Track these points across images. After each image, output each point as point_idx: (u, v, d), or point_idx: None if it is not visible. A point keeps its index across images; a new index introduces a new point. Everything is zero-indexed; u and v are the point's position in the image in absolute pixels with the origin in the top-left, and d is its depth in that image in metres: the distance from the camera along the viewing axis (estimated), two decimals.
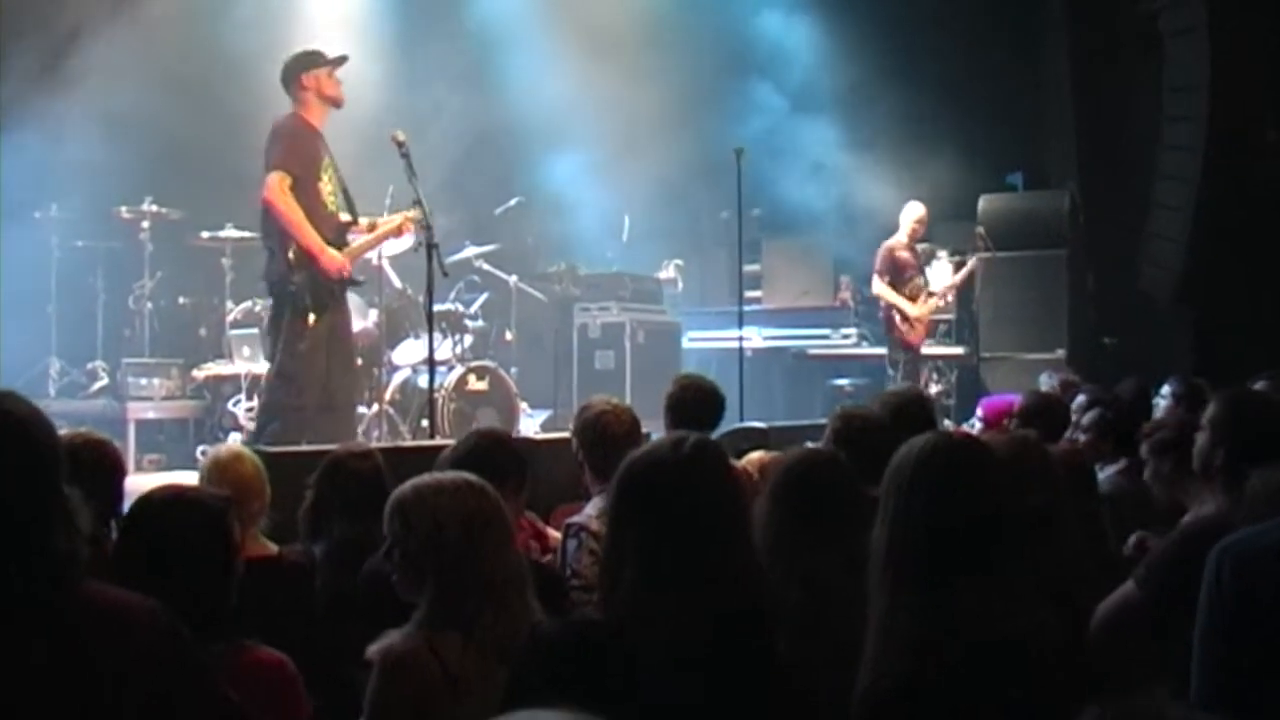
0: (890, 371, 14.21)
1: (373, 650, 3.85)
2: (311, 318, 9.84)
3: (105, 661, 2.97)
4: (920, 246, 14.92)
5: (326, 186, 10.02)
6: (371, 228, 10.29)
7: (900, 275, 14.11)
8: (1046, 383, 9.84)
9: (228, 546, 3.89)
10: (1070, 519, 4.68)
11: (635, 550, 3.33)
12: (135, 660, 3.01)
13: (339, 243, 10.00)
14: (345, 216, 10.17)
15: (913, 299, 14.11)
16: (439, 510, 3.94)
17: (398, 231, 10.03)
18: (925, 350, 14.91)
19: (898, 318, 14.04)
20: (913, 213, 14.31)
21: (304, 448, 10.51)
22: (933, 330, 15.22)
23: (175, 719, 3.06)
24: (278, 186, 9.66)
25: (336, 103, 10.12)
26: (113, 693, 2.95)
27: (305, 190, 9.80)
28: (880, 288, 14.10)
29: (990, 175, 16.02)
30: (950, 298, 15.18)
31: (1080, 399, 7.95)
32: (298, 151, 9.87)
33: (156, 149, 13.28)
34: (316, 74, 10.05)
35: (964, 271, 14.97)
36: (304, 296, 9.74)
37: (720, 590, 3.28)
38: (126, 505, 5.54)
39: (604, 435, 6.15)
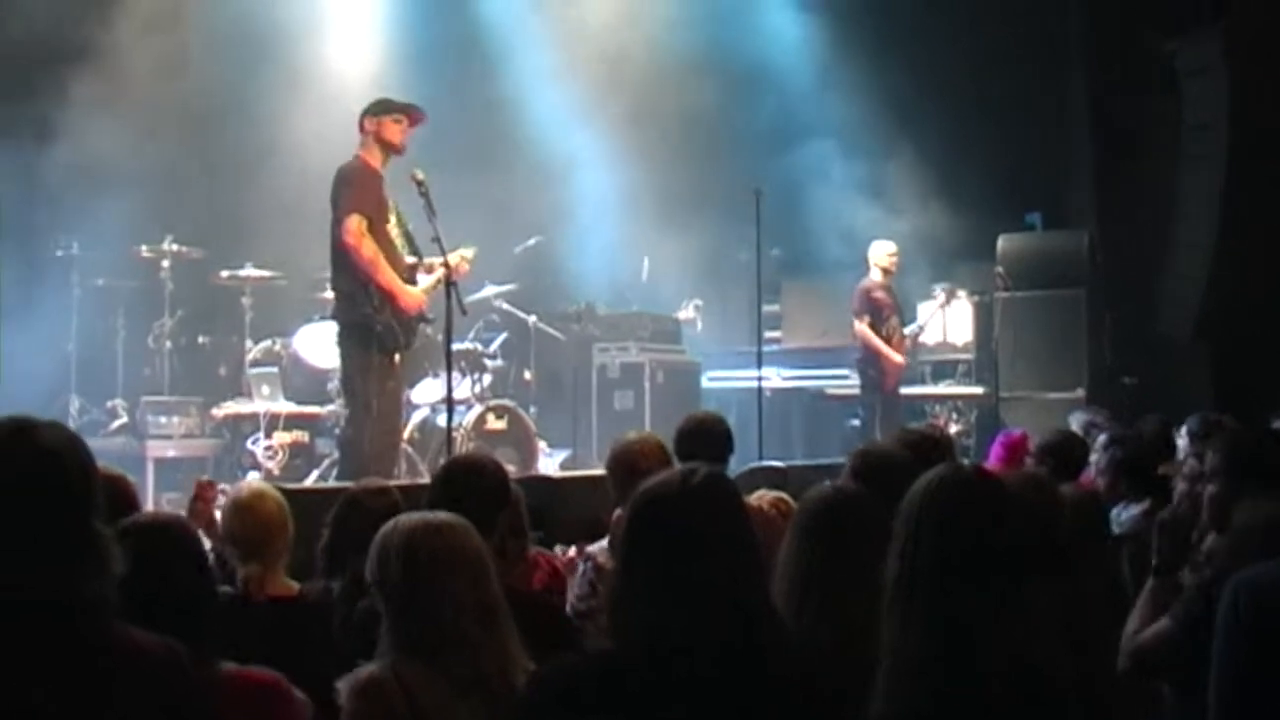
0: (861, 413, 14.22)
1: (343, 680, 3.90)
2: (397, 357, 10.07)
3: (130, 705, 2.95)
4: (939, 286, 14.91)
5: (394, 229, 10.13)
6: (430, 269, 10.32)
7: (879, 315, 14.08)
8: (1078, 422, 9.78)
9: (200, 571, 3.90)
10: (1079, 558, 4.67)
11: (642, 580, 3.33)
12: (157, 704, 2.99)
13: (408, 283, 10.10)
14: (410, 259, 10.24)
15: (889, 339, 14.07)
16: (387, 547, 4.05)
17: (456, 271, 10.04)
18: (941, 390, 14.90)
19: (883, 348, 14.00)
20: (880, 251, 14.29)
21: (326, 485, 10.61)
22: (951, 370, 15.23)
23: None
24: (357, 229, 9.77)
25: (394, 149, 10.18)
26: None
27: (376, 231, 9.92)
28: (862, 329, 14.06)
29: (1009, 215, 16.01)
30: (931, 337, 15.21)
31: (1101, 438, 7.93)
32: (367, 195, 9.99)
33: (177, 188, 13.35)
34: (380, 119, 10.16)
35: (931, 312, 14.99)
36: (392, 336, 9.89)
37: (727, 621, 3.27)
38: None
39: (633, 469, 6.16)
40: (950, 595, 3.28)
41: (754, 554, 3.50)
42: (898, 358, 14.04)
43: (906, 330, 14.52)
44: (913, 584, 3.34)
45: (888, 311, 14.15)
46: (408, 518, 4.15)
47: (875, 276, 14.22)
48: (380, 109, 10.24)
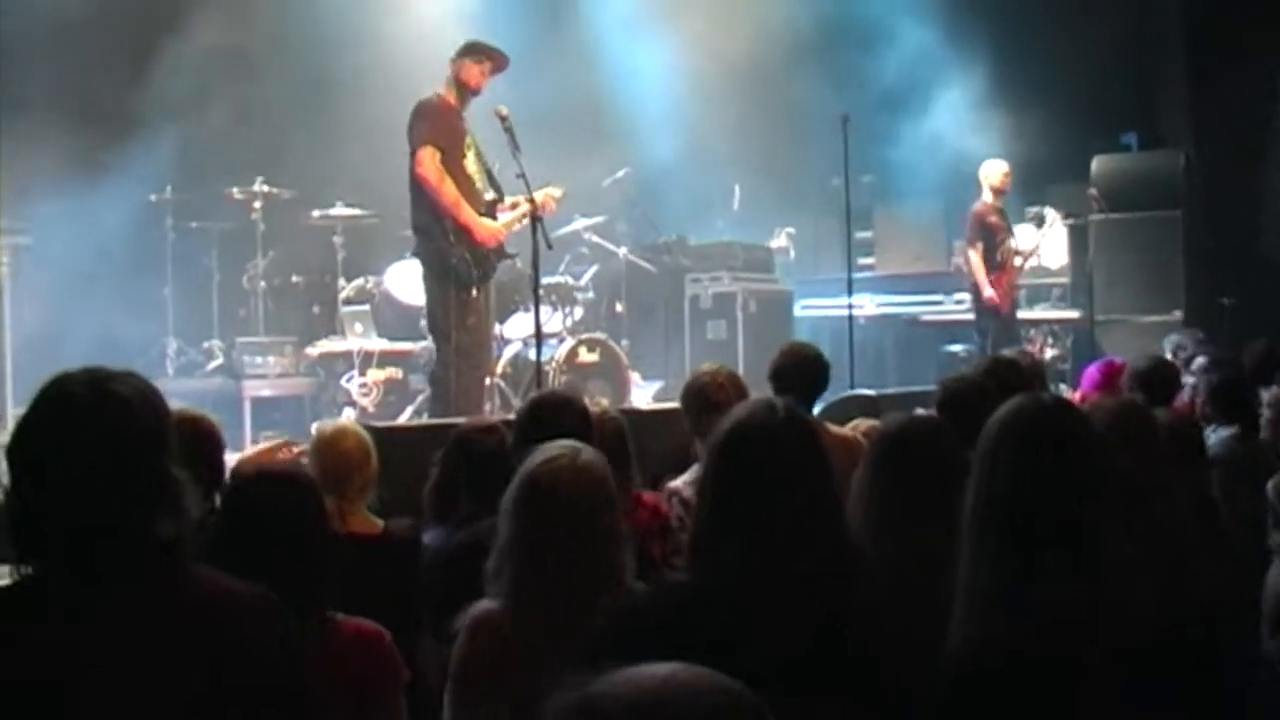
0: (978, 339, 14.04)
1: (462, 616, 3.86)
2: (475, 291, 10.05)
3: (206, 648, 2.97)
4: (1033, 209, 14.75)
5: (472, 164, 10.14)
6: (514, 206, 10.32)
7: (992, 239, 13.84)
8: (1170, 344, 9.67)
9: (321, 521, 3.91)
10: (1175, 487, 4.62)
11: (724, 514, 3.32)
12: (237, 649, 3.02)
13: (487, 218, 10.12)
14: (490, 195, 10.24)
15: (1004, 262, 13.86)
16: (532, 486, 3.92)
17: (542, 208, 10.01)
18: (1036, 314, 14.76)
19: (991, 278, 13.80)
20: (994, 170, 14.01)
21: (415, 423, 10.66)
22: (1046, 293, 15.10)
23: (266, 712, 3.06)
24: (430, 161, 9.81)
25: (470, 90, 10.22)
26: (210, 680, 2.95)
27: (452, 166, 9.94)
28: (971, 257, 13.86)
29: (1104, 136, 15.83)
30: (1033, 260, 14.96)
31: (1200, 360, 7.85)
32: (442, 127, 10.01)
33: (267, 129, 13.42)
34: (462, 60, 10.21)
35: (1043, 232, 14.78)
36: (468, 270, 9.91)
37: (810, 555, 3.25)
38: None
39: (708, 401, 6.19)
40: (1024, 531, 3.23)
41: (834, 487, 3.49)
42: (988, 291, 13.80)
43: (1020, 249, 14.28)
44: (985, 518, 3.30)
45: (1001, 235, 13.88)
46: (552, 455, 4.00)
47: (987, 198, 13.91)
48: (464, 51, 10.25)
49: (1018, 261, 14.06)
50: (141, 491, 2.95)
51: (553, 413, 5.27)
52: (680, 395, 6.56)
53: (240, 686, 2.98)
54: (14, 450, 2.97)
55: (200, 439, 4.95)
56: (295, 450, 6.49)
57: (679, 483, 6.10)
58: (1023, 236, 14.49)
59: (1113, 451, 3.56)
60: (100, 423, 2.94)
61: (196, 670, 2.94)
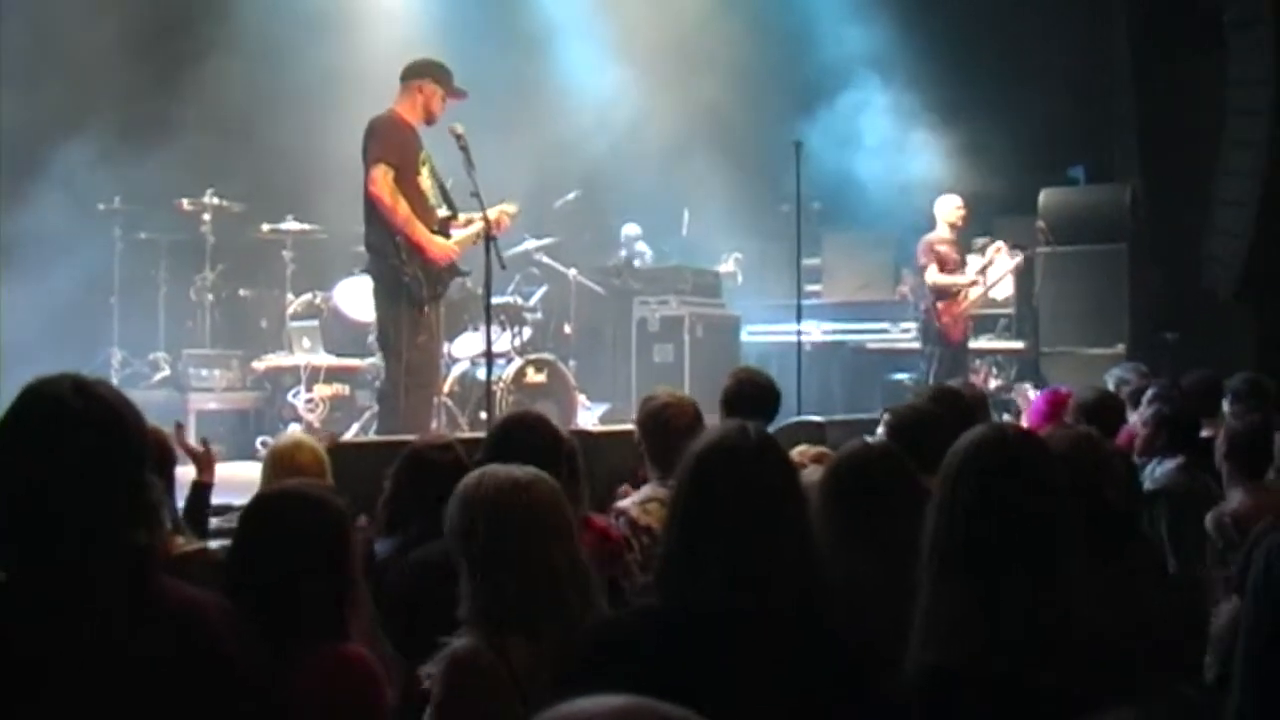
0: (923, 366, 14.14)
1: (434, 661, 3.77)
2: (426, 309, 10.02)
3: (174, 658, 2.98)
4: (980, 240, 14.85)
5: (425, 181, 10.12)
6: (467, 223, 10.31)
7: (943, 269, 13.97)
8: (1113, 378, 9.74)
9: (347, 547, 3.90)
10: (1123, 516, 4.67)
11: (697, 538, 3.32)
12: (202, 659, 3.03)
13: (440, 235, 10.09)
14: (444, 212, 10.23)
15: (955, 295, 13.99)
16: (473, 504, 3.91)
17: (496, 225, 10.00)
18: (982, 344, 14.86)
19: (940, 308, 13.91)
20: (948, 206, 14.15)
21: (367, 438, 10.65)
22: (992, 324, 15.20)
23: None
24: (383, 179, 9.76)
25: (432, 119, 10.18)
26: (176, 689, 2.96)
27: (405, 184, 9.90)
28: (936, 276, 13.94)
29: (1051, 169, 15.95)
30: (1004, 291, 15.10)
31: (1150, 392, 7.91)
32: (395, 144, 9.97)
33: (218, 141, 13.38)
34: (434, 88, 10.16)
35: (997, 263, 14.87)
36: (420, 288, 9.86)
37: (779, 579, 3.27)
38: (179, 496, 5.63)
39: (666, 426, 6.19)
40: (985, 556, 3.27)
41: (806, 510, 3.51)
42: (975, 291, 13.99)
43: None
44: (946, 545, 3.33)
45: (952, 265, 14.03)
46: (494, 473, 3.99)
47: (942, 232, 14.08)
48: (434, 75, 10.20)
49: (973, 293, 14.17)
50: (125, 497, 2.97)
51: (524, 433, 5.27)
52: (636, 418, 6.56)
53: (205, 694, 2.99)
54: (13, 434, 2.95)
55: (159, 450, 4.94)
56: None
57: (626, 503, 6.12)
58: (972, 269, 14.60)
59: (1066, 480, 3.59)
60: (89, 426, 2.96)
61: (166, 680, 2.94)
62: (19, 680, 2.84)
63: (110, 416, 2.99)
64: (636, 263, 15.67)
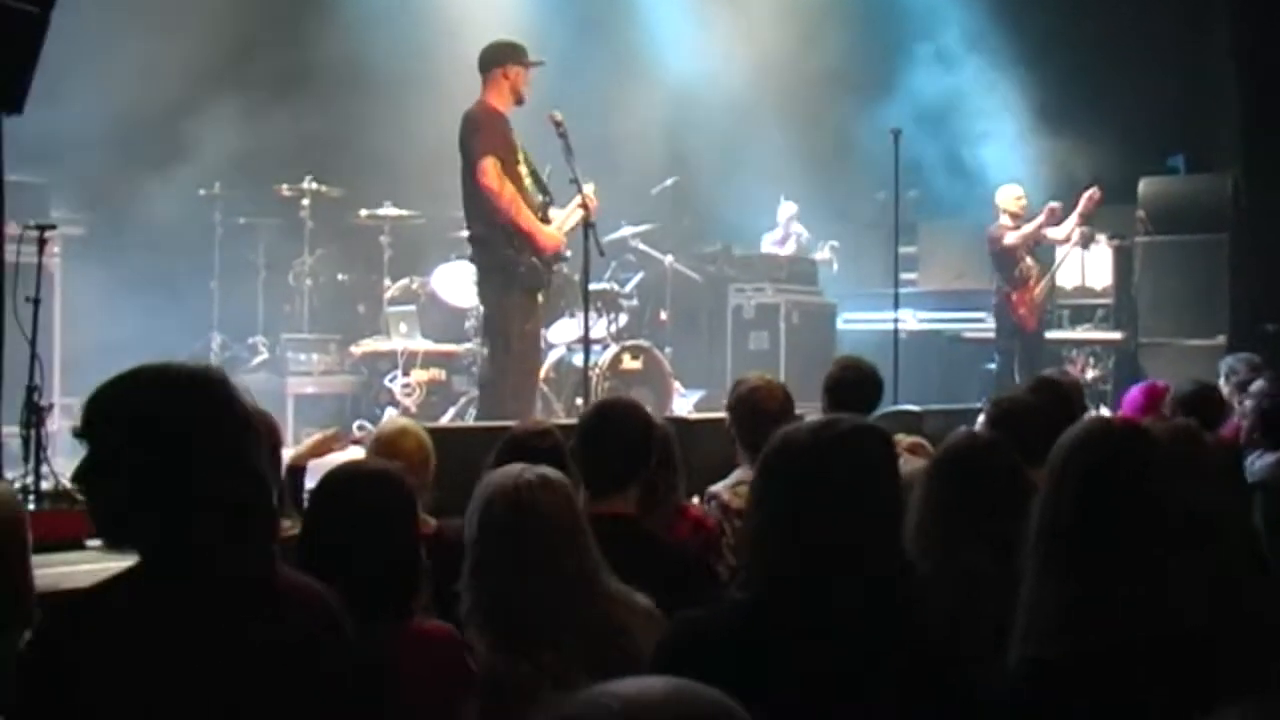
0: (998, 358, 14.06)
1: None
2: (540, 296, 10.14)
3: (299, 639, 3.04)
4: (1079, 230, 14.72)
5: (523, 169, 10.15)
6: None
7: (1010, 258, 13.89)
8: (1227, 366, 9.62)
9: (415, 522, 3.94)
10: (1227, 510, 4.62)
11: (776, 529, 3.30)
12: (321, 643, 3.08)
13: (543, 221, 10.13)
14: (541, 198, 10.28)
15: (1023, 283, 13.89)
16: (474, 505, 3.94)
17: (588, 213, 10.04)
18: (1079, 334, 14.74)
19: (1014, 299, 13.82)
20: (1008, 195, 14.07)
21: (469, 424, 10.70)
22: (1090, 313, 15.09)
23: (335, 701, 3.11)
24: (494, 171, 9.79)
25: (522, 100, 10.20)
26: (300, 673, 3.02)
27: (509, 174, 9.93)
28: (1012, 237, 13.90)
29: (1151, 157, 15.80)
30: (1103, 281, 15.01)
31: (1259, 385, 7.82)
32: (497, 136, 9.99)
33: (316, 127, 13.48)
34: (518, 69, 10.17)
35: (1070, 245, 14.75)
36: (535, 275, 9.95)
37: (873, 570, 3.25)
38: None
39: (756, 410, 6.20)
40: (1089, 551, 3.25)
41: (899, 505, 3.48)
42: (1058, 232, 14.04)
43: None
44: (1053, 537, 3.32)
45: (1022, 252, 13.96)
46: (500, 474, 3.97)
47: (1005, 221, 14.02)
48: (514, 57, 10.22)
49: (1044, 281, 14.08)
50: (256, 488, 3.06)
51: (616, 420, 5.28)
52: (727, 403, 6.57)
53: (320, 678, 3.04)
54: (159, 427, 2.99)
55: (270, 435, 5.01)
56: (348, 440, 6.51)
57: (719, 487, 6.13)
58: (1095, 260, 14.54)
59: (1170, 474, 3.56)
60: (238, 407, 3.06)
61: (295, 662, 3.01)
62: (150, 664, 2.88)
63: (228, 405, 3.04)
64: (793, 243, 15.64)
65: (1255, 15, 15.56)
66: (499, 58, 10.17)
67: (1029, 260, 14.03)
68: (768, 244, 15.80)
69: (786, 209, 15.77)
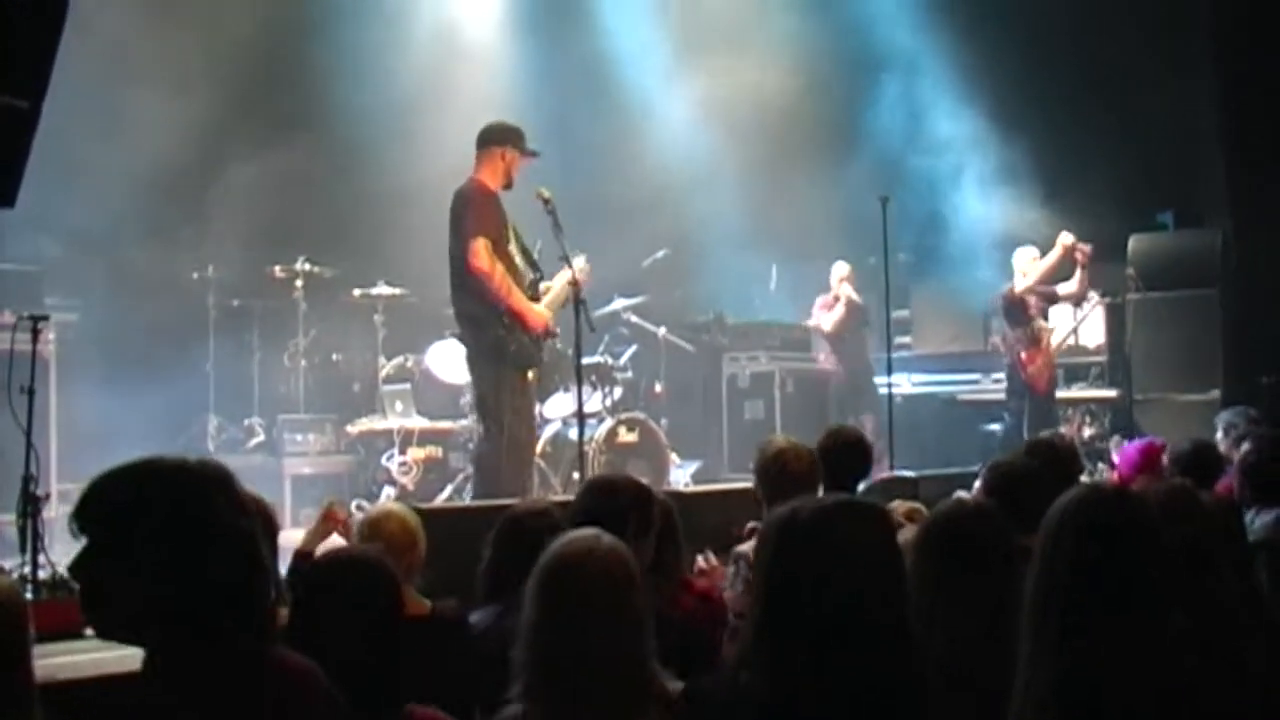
0: (1007, 418, 14.03)
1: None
2: (531, 375, 10.19)
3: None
4: (1091, 291, 14.72)
5: (514, 247, 10.19)
6: (546, 291, 10.41)
7: (1024, 316, 13.88)
8: (1225, 421, 9.63)
9: (397, 610, 3.94)
10: (1224, 570, 4.61)
11: (786, 611, 3.29)
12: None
13: (532, 299, 10.18)
14: (531, 276, 10.32)
15: (1035, 343, 13.87)
16: (534, 576, 3.82)
17: (577, 284, 10.08)
18: (1074, 393, 14.74)
19: (1024, 358, 13.80)
20: (1026, 256, 14.07)
21: (463, 504, 10.70)
22: (1084, 372, 15.10)
23: None
24: (485, 253, 9.83)
25: (512, 184, 10.26)
26: None
27: (499, 253, 9.98)
28: (1022, 283, 13.88)
29: (1141, 214, 15.83)
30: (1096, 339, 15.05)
31: (1246, 444, 7.82)
32: (488, 216, 10.05)
33: (308, 208, 13.55)
34: (515, 154, 10.24)
35: (1084, 314, 14.81)
36: (525, 354, 10.00)
37: (883, 651, 3.24)
38: (283, 562, 5.69)
39: (784, 472, 6.33)
40: (1086, 618, 3.26)
41: (902, 582, 3.47)
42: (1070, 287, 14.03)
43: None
44: (1047, 606, 3.32)
45: (1034, 310, 13.97)
46: (564, 543, 3.89)
47: (1019, 284, 14.00)
48: (513, 140, 10.28)
49: (1053, 344, 14.08)
50: (256, 569, 3.08)
51: (609, 496, 5.29)
52: (755, 464, 6.61)
53: None
54: (154, 521, 3.01)
55: (265, 521, 5.01)
56: (341, 513, 6.48)
57: (745, 548, 6.17)
58: (1059, 317, 14.51)
59: (1165, 536, 3.57)
60: (235, 497, 3.09)
61: None
62: None
63: (226, 489, 3.06)
64: (841, 307, 15.52)
65: (1239, 72, 15.64)
66: (499, 138, 10.23)
67: (1041, 320, 14.02)
68: (818, 308, 15.67)
69: (838, 269, 15.65)
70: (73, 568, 3.08)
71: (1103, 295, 15.24)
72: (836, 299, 15.74)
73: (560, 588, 3.72)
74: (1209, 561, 4.48)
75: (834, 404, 15.16)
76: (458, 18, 15.26)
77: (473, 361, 10.31)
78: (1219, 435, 9.13)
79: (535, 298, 10.17)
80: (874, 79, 16.26)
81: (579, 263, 10.25)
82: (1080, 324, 14.87)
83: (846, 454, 6.97)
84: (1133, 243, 15.26)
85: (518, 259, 10.19)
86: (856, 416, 14.12)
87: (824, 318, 15.60)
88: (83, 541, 3.04)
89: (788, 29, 15.58)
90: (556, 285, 10.24)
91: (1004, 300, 14.02)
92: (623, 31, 15.81)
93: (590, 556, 3.77)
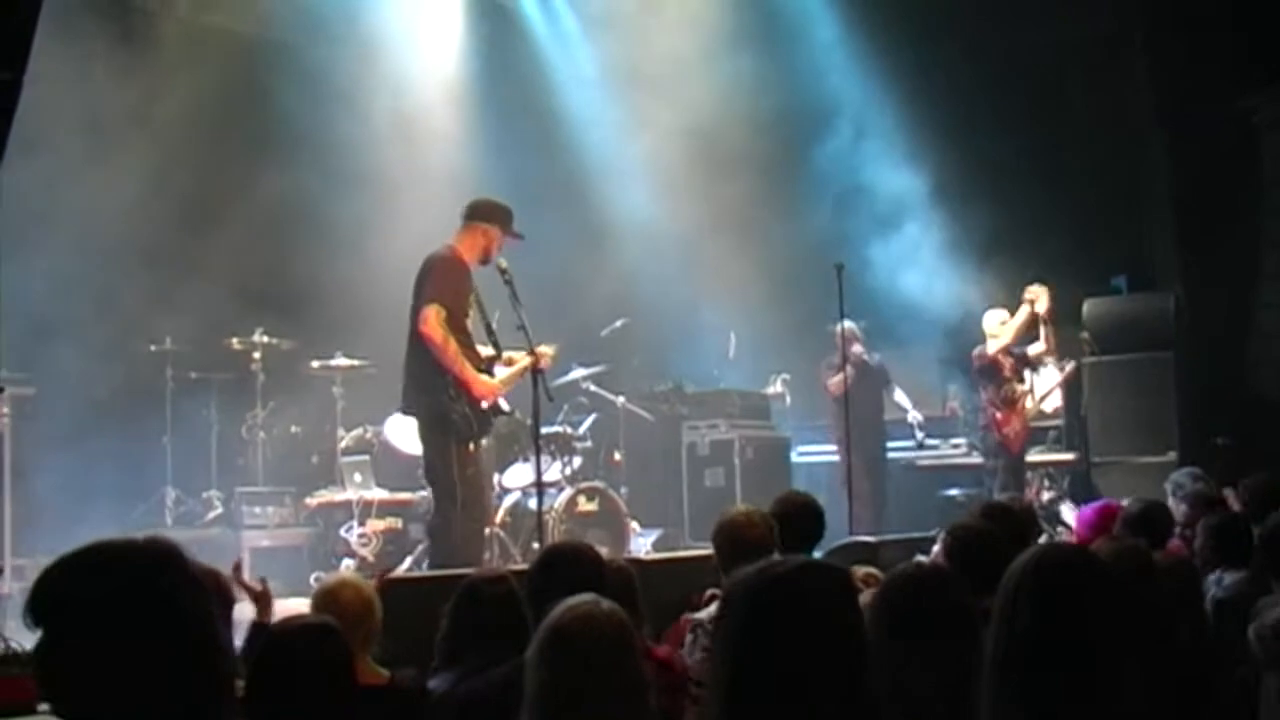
0: (987, 480, 14.05)
1: None
2: (472, 446, 10.17)
3: None
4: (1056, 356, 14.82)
5: (473, 321, 10.24)
6: (509, 362, 10.43)
7: (999, 377, 13.95)
8: (1174, 483, 9.67)
9: (348, 678, 3.93)
10: (1178, 629, 4.64)
11: (749, 674, 3.27)
12: None
13: (485, 373, 10.21)
14: (488, 350, 10.33)
15: (1010, 404, 13.93)
16: (539, 640, 3.82)
17: (537, 365, 10.10)
18: (1033, 457, 14.78)
19: (999, 420, 13.85)
20: (995, 319, 14.18)
21: (420, 573, 10.67)
22: (1042, 436, 15.15)
23: None
24: (434, 319, 9.89)
25: (488, 262, 10.33)
26: None
27: (454, 324, 10.02)
28: (993, 345, 13.96)
29: (1094, 279, 15.94)
30: (1053, 403, 15.12)
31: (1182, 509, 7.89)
32: (451, 286, 10.10)
33: (265, 280, 13.54)
34: (497, 232, 10.33)
35: (1065, 373, 14.92)
36: (469, 425, 10.01)
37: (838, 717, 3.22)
38: (237, 636, 5.66)
39: (736, 539, 6.32)
40: (1046, 676, 3.26)
41: (863, 645, 3.44)
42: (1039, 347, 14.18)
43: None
44: (1005, 665, 3.33)
45: (1009, 371, 14.03)
46: (565, 608, 3.89)
47: (991, 347, 14.09)
48: (500, 219, 10.38)
49: (1029, 405, 14.15)
50: (220, 649, 3.05)
51: (566, 562, 5.30)
52: (712, 532, 6.63)
53: None
54: (108, 609, 3.00)
55: (219, 592, 5.00)
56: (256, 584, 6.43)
57: (702, 615, 6.16)
58: (1045, 381, 14.62)
59: (1120, 596, 3.58)
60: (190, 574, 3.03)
61: None
62: None
63: (186, 573, 3.05)
64: (851, 363, 15.23)
65: (1186, 135, 15.78)
66: (485, 215, 10.35)
67: (1017, 382, 14.07)
68: (823, 369, 15.36)
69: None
70: (31, 662, 3.07)
71: (1059, 360, 15.31)
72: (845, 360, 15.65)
73: (564, 653, 3.75)
74: (1165, 620, 4.51)
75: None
76: (413, 94, 15.27)
77: (421, 429, 10.34)
78: (1169, 497, 9.17)
79: (489, 372, 10.19)
80: (831, 149, 16.32)
81: (548, 349, 10.30)
82: (1063, 384, 14.96)
83: (800, 518, 7.00)
84: (1087, 307, 15.38)
85: (475, 331, 10.21)
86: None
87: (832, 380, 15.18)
88: (38, 632, 3.03)
89: (738, 83, 15.61)
90: (522, 362, 10.25)
91: (977, 362, 14.08)
92: (573, 93, 16.01)
93: (592, 621, 3.81)
